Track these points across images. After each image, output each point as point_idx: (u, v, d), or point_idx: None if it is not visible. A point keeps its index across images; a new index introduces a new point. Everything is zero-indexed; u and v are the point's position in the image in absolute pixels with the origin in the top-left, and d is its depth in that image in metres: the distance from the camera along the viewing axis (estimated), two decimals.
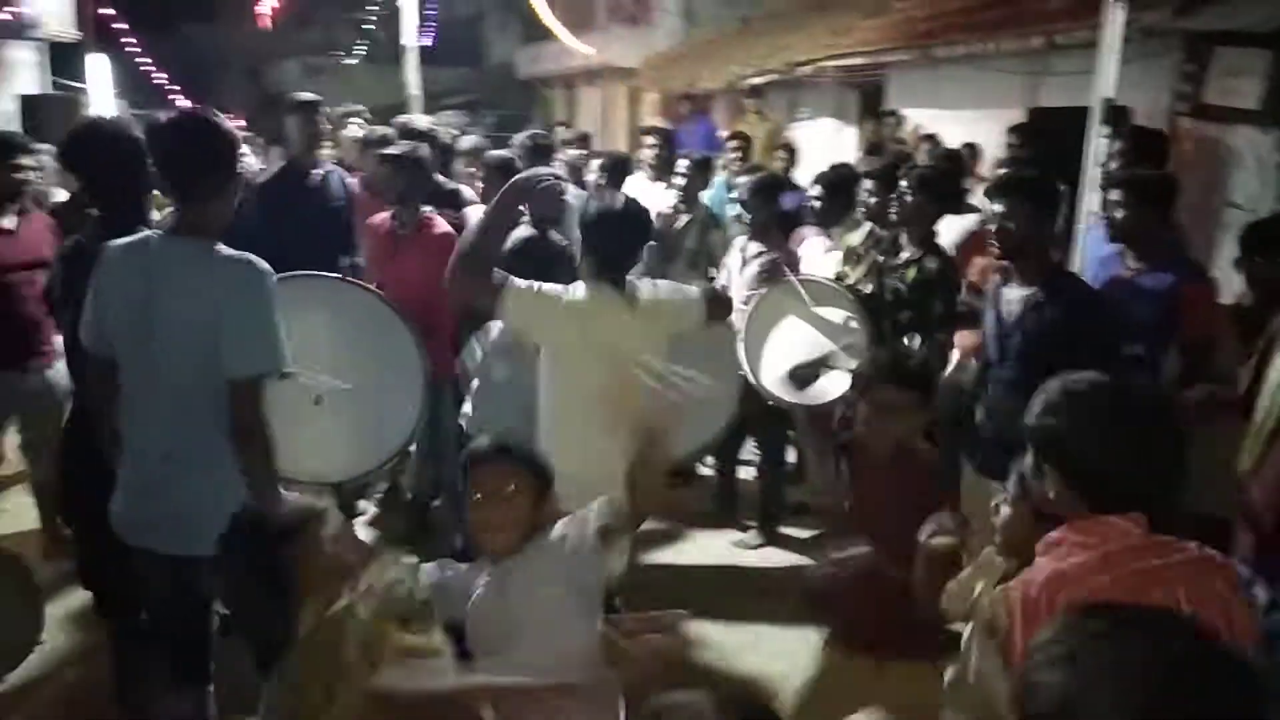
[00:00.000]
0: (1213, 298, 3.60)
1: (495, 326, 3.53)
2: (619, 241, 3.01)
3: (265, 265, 2.43)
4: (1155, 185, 3.64)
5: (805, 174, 7.63)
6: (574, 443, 2.80)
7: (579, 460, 2.70)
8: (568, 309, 2.91)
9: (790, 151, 7.66)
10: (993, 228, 3.22)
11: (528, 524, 2.22)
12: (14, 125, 8.16)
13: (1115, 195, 3.61)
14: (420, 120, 6.05)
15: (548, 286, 2.94)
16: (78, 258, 2.89)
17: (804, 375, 3.88)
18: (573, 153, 6.43)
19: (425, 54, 10.73)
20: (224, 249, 2.43)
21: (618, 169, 5.60)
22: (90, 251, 2.67)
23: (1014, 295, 3.22)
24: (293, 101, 4.83)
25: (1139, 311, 3.35)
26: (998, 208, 3.17)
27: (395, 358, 3.52)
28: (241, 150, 2.55)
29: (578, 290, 2.96)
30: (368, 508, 4.93)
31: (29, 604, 3.02)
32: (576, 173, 5.95)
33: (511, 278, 2.88)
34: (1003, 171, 4.92)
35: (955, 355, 3.81)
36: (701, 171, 5.58)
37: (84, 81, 10.55)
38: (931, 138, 6.85)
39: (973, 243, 4.45)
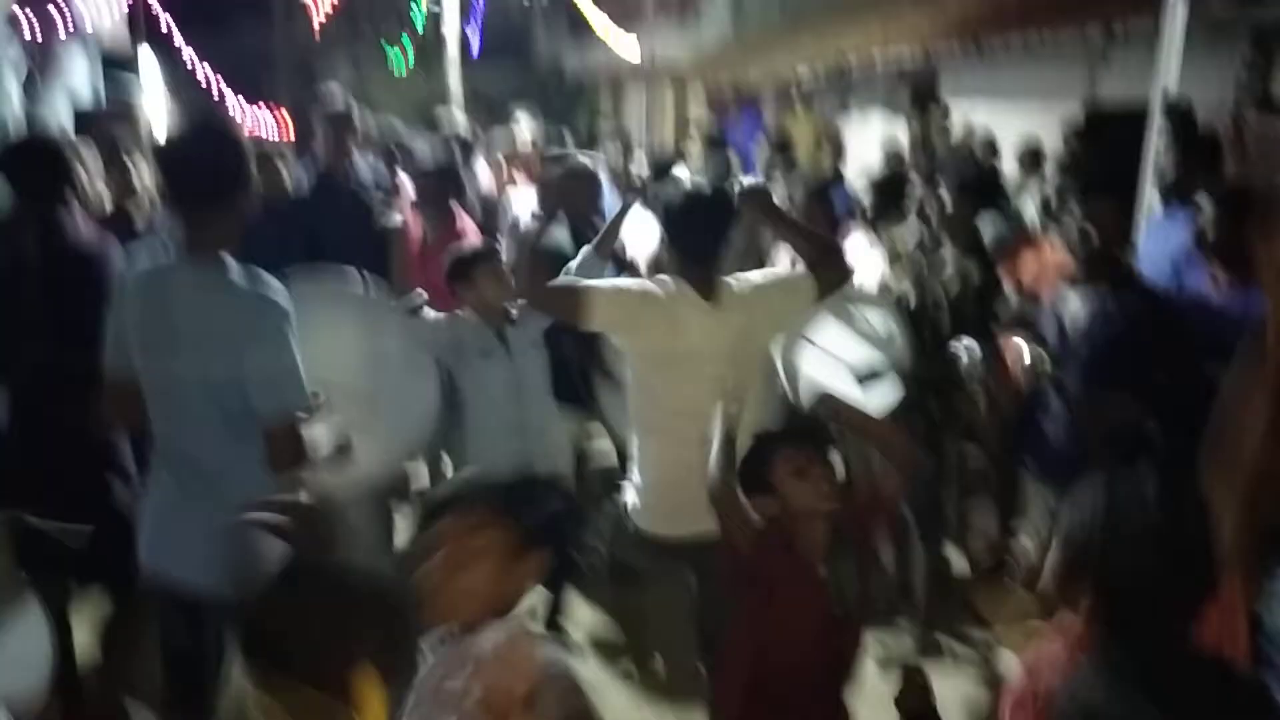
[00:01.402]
0: None
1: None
2: (701, 231, 2.73)
3: (283, 293, 2.34)
4: (1253, 200, 3.29)
5: (854, 167, 7.51)
6: (658, 455, 2.71)
7: (667, 474, 2.66)
8: (650, 307, 2.67)
9: (836, 146, 7.52)
10: (1062, 231, 3.10)
11: (495, 597, 1.70)
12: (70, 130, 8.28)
13: (1206, 207, 3.31)
14: (455, 118, 6.01)
15: (628, 283, 2.76)
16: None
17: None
18: (612, 152, 6.36)
19: (471, 52, 10.72)
20: (240, 272, 2.34)
21: (662, 170, 5.51)
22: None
23: (1084, 301, 3.09)
24: (323, 113, 4.78)
25: (1228, 333, 3.11)
26: (1074, 210, 3.07)
27: (415, 368, 3.49)
28: (250, 162, 2.42)
29: (661, 287, 2.71)
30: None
31: None
32: (615, 171, 5.87)
33: (586, 281, 2.73)
34: (1062, 174, 4.77)
35: (1012, 360, 3.65)
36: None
37: (137, 80, 10.70)
38: (991, 144, 6.65)
39: (1025, 244, 4.29)
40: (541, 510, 1.78)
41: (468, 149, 5.80)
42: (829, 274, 2.80)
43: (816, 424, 2.46)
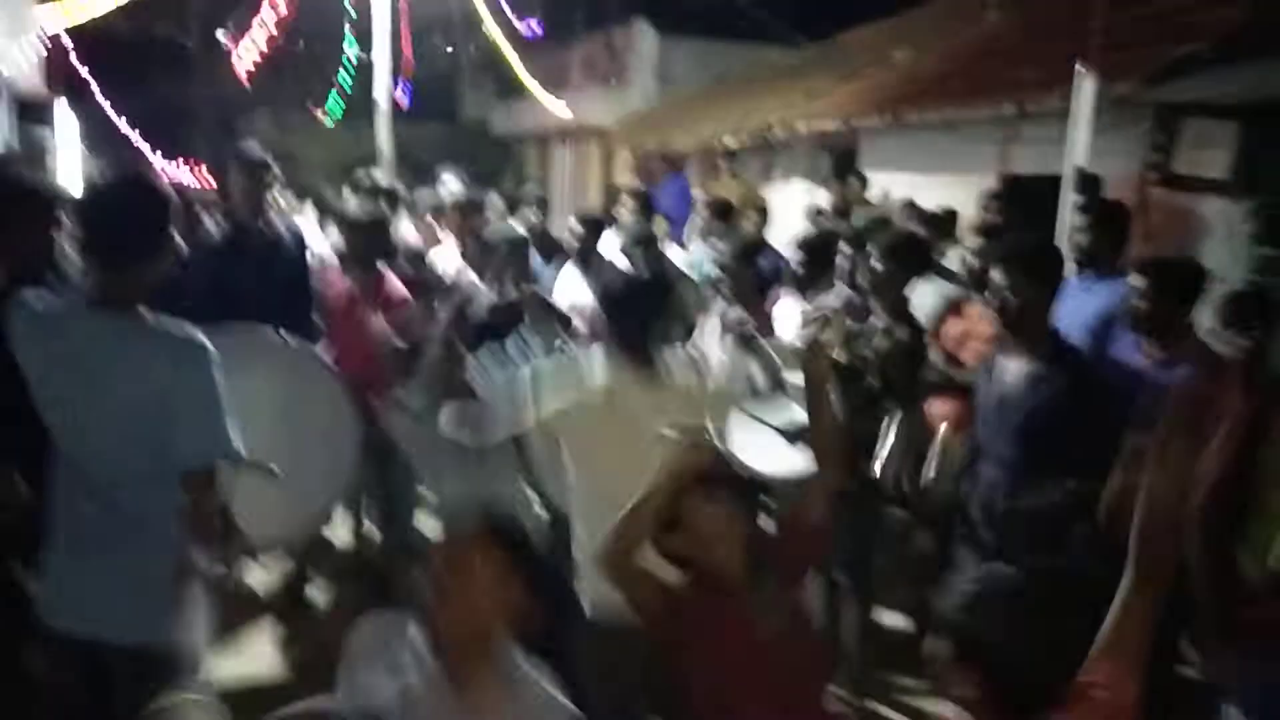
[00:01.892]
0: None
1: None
2: (640, 317, 2.73)
3: (206, 340, 2.28)
4: (1183, 273, 3.40)
5: (779, 234, 7.64)
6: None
7: None
8: (588, 393, 2.65)
9: (763, 213, 7.65)
10: (986, 298, 3.12)
11: (490, 628, 1.85)
12: None
13: (1137, 282, 3.36)
14: (376, 176, 5.95)
15: (561, 369, 2.71)
16: None
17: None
18: (531, 217, 6.35)
19: (399, 110, 10.71)
20: (160, 321, 2.29)
21: (594, 230, 5.49)
22: None
23: (1012, 368, 3.09)
24: (237, 157, 4.68)
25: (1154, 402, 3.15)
26: (998, 277, 3.04)
27: (330, 416, 3.42)
28: (172, 214, 2.36)
29: (599, 371, 2.68)
30: (316, 576, 4.75)
31: None
32: (536, 235, 5.84)
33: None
34: (980, 239, 4.91)
35: (940, 430, 3.67)
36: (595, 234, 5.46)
37: (49, 131, 10.43)
38: (911, 204, 6.84)
39: (950, 309, 4.38)
40: (527, 538, 1.92)
41: (394, 201, 5.72)
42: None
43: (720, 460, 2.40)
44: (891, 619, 4.43)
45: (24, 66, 9.32)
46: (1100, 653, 1.72)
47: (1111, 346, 3.66)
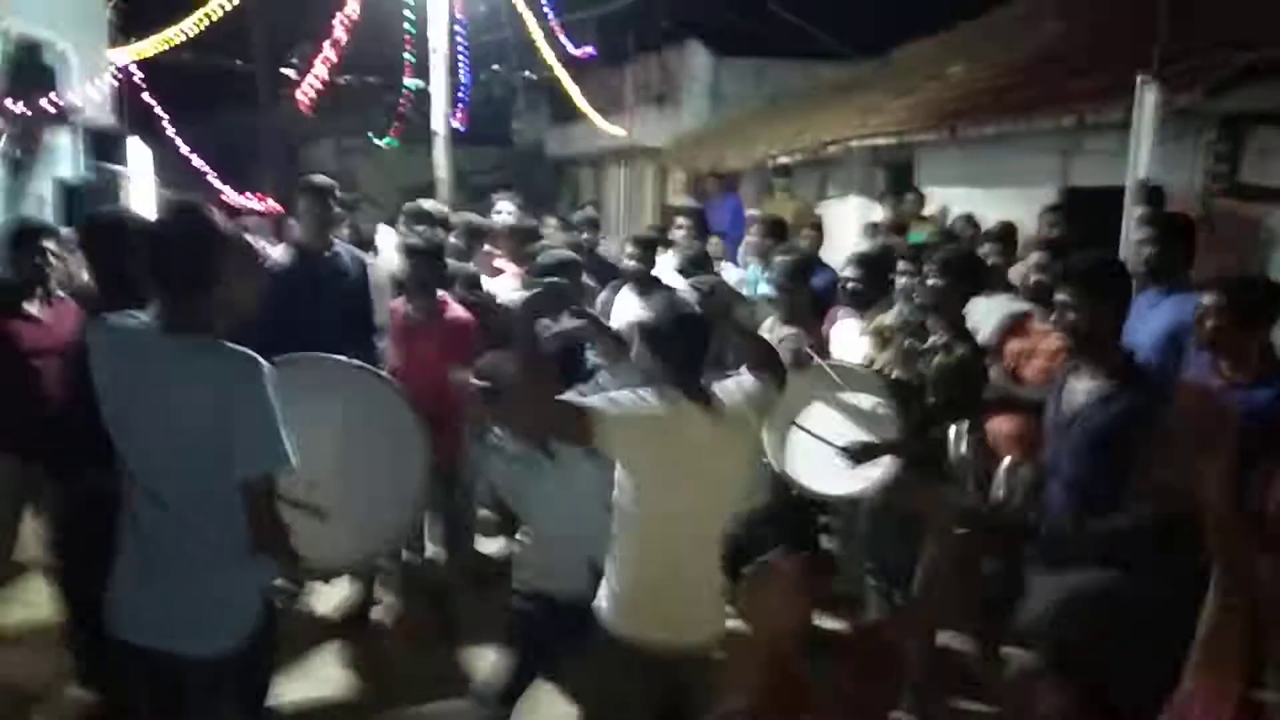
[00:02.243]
0: None
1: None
2: (697, 346, 2.74)
3: (261, 359, 2.38)
4: (1259, 295, 3.23)
5: (834, 251, 7.61)
6: (659, 569, 2.68)
7: (665, 587, 2.66)
8: (648, 424, 2.66)
9: (818, 230, 7.62)
10: (1047, 313, 3.05)
11: None
12: (49, 210, 8.33)
13: (1210, 300, 3.22)
14: (429, 204, 6.04)
15: (626, 399, 2.70)
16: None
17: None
18: (584, 236, 6.41)
19: (455, 135, 10.90)
20: (225, 345, 2.39)
21: (650, 249, 5.52)
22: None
23: (1081, 387, 3.00)
24: (303, 184, 4.82)
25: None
26: (1062, 296, 2.96)
27: (397, 444, 3.46)
28: (238, 245, 2.50)
29: (653, 401, 2.69)
30: (387, 597, 4.81)
31: None
32: (588, 255, 5.90)
33: (592, 400, 2.70)
34: (1039, 254, 4.84)
35: (1005, 448, 3.60)
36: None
37: (123, 165, 10.81)
38: (970, 219, 6.74)
39: (1012, 326, 4.32)
40: None
41: (447, 229, 5.80)
42: (773, 374, 2.88)
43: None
44: (957, 641, 4.35)
45: (98, 104, 9.68)
46: (1197, 668, 1.68)
47: (1182, 365, 3.57)
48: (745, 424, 2.80)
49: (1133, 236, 4.73)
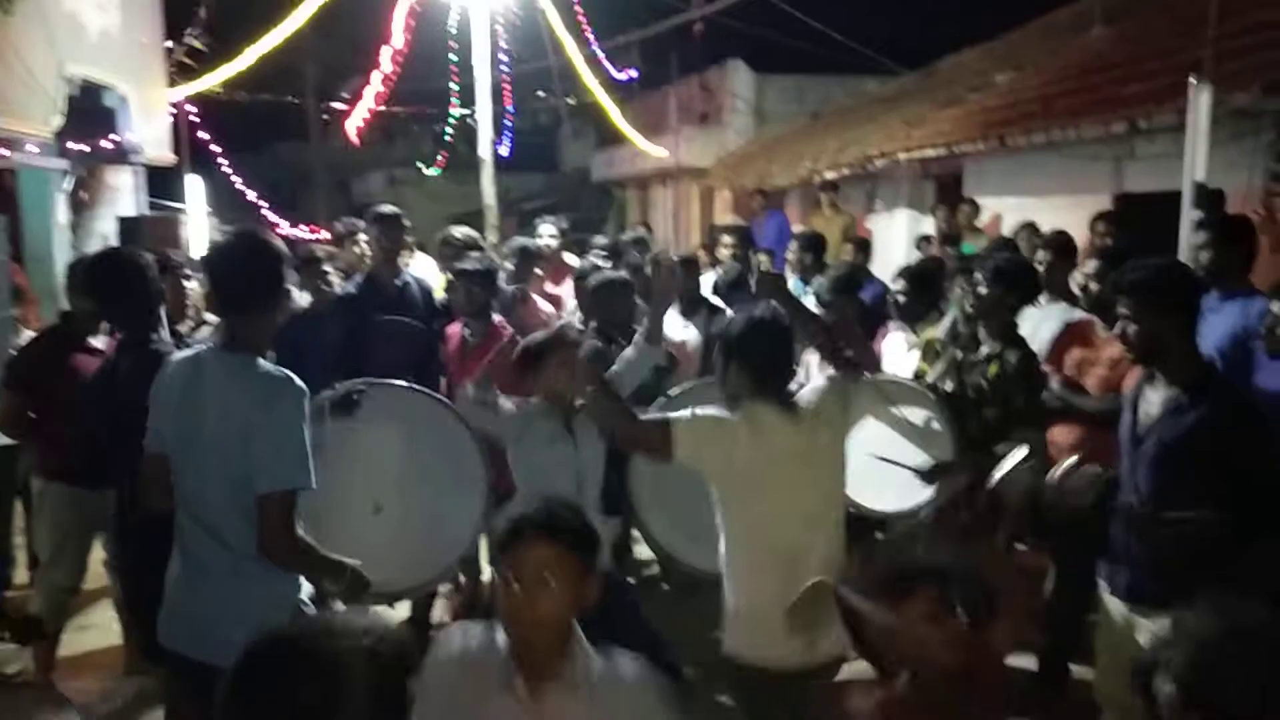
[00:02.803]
0: None
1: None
2: (775, 354, 2.77)
3: (299, 382, 2.48)
4: None
5: (882, 265, 7.55)
6: (776, 582, 2.66)
7: (777, 598, 2.63)
8: (732, 432, 2.68)
9: (863, 245, 7.56)
10: (1116, 327, 2.93)
11: (566, 622, 1.90)
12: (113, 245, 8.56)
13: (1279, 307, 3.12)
14: (465, 232, 6.08)
15: (708, 412, 2.72)
16: (101, 375, 3.24)
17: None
18: (634, 257, 6.44)
19: (502, 162, 11.03)
20: (264, 364, 2.50)
21: (693, 270, 5.53)
22: (110, 368, 3.05)
23: (1155, 397, 2.86)
24: (373, 214, 4.92)
25: None
26: (1122, 306, 2.85)
27: (459, 467, 3.50)
28: (289, 268, 2.63)
29: (737, 411, 2.71)
30: (443, 619, 4.84)
31: None
32: (638, 274, 5.92)
33: (671, 415, 2.73)
34: (1092, 263, 4.75)
35: (1064, 459, 3.49)
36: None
37: (180, 201, 11.09)
38: (1032, 226, 6.61)
39: (1070, 334, 4.24)
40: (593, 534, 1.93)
41: (529, 259, 5.81)
42: (851, 361, 2.90)
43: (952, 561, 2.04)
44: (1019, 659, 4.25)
45: (157, 142, 9.96)
46: None
47: (1250, 371, 3.47)
48: (828, 423, 2.79)
49: (1190, 241, 4.63)
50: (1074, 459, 2.93)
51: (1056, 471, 2.87)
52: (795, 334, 2.87)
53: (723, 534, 2.77)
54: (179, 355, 2.65)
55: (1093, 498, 2.82)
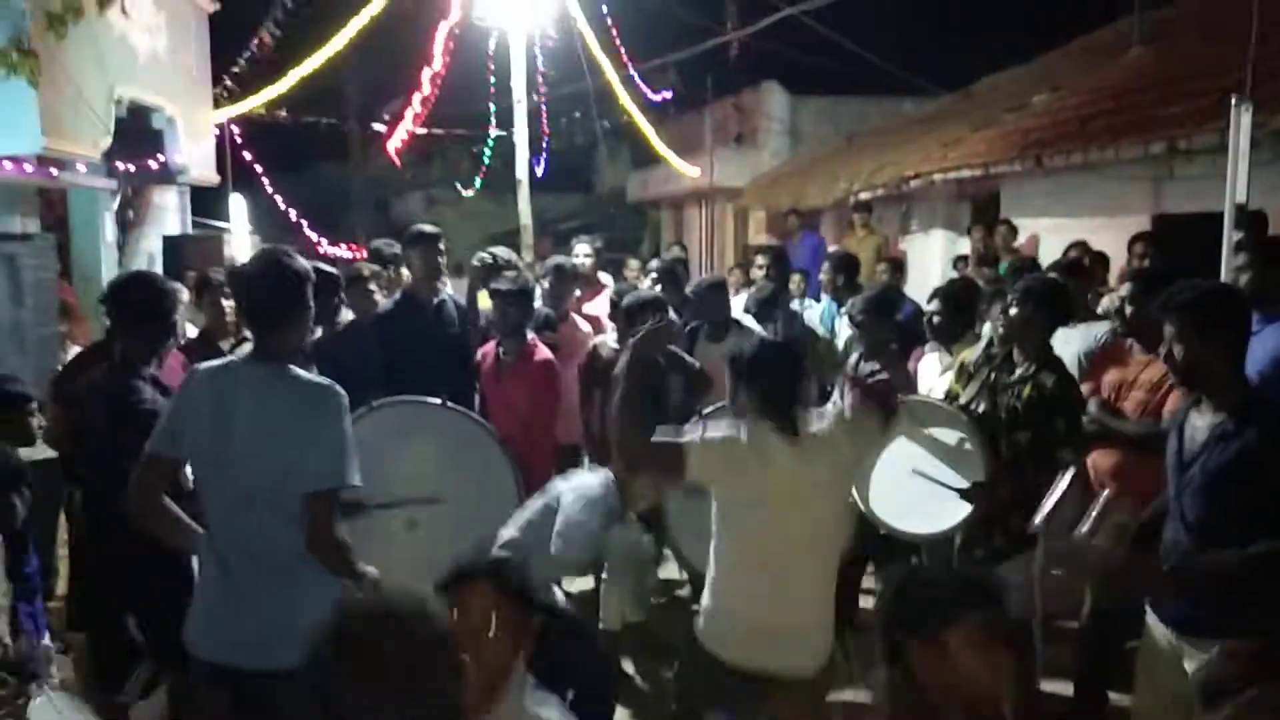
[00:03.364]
0: None
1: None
2: (781, 378, 2.83)
3: (335, 385, 2.56)
4: None
5: (917, 286, 7.52)
6: (758, 592, 2.74)
7: (757, 613, 2.71)
8: (730, 451, 2.76)
9: (898, 265, 7.54)
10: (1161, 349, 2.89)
11: (501, 670, 1.95)
12: (158, 264, 8.74)
13: None
14: (500, 251, 6.12)
15: (720, 434, 2.80)
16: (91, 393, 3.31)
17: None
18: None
19: (538, 182, 11.13)
20: (301, 372, 2.58)
21: (721, 291, 5.52)
22: (101, 388, 3.15)
23: (1201, 423, 2.79)
24: (413, 234, 4.98)
25: None
26: (1166, 329, 2.79)
27: (492, 484, 3.54)
28: (311, 283, 2.69)
29: (747, 431, 2.78)
30: None
31: None
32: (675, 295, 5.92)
33: (688, 434, 2.81)
34: (1129, 285, 4.69)
35: (1103, 484, 3.43)
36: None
37: (224, 220, 11.32)
38: (1084, 247, 6.51)
39: (1106, 355, 4.20)
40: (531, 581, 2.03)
41: (566, 278, 5.81)
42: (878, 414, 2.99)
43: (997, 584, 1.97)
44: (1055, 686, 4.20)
45: (202, 162, 10.17)
46: None
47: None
48: (833, 451, 2.82)
49: (1231, 263, 4.57)
50: (1103, 499, 2.87)
51: (1084, 526, 2.82)
52: (806, 361, 2.97)
53: (715, 533, 2.84)
54: (207, 365, 2.69)
55: (1122, 555, 2.76)
